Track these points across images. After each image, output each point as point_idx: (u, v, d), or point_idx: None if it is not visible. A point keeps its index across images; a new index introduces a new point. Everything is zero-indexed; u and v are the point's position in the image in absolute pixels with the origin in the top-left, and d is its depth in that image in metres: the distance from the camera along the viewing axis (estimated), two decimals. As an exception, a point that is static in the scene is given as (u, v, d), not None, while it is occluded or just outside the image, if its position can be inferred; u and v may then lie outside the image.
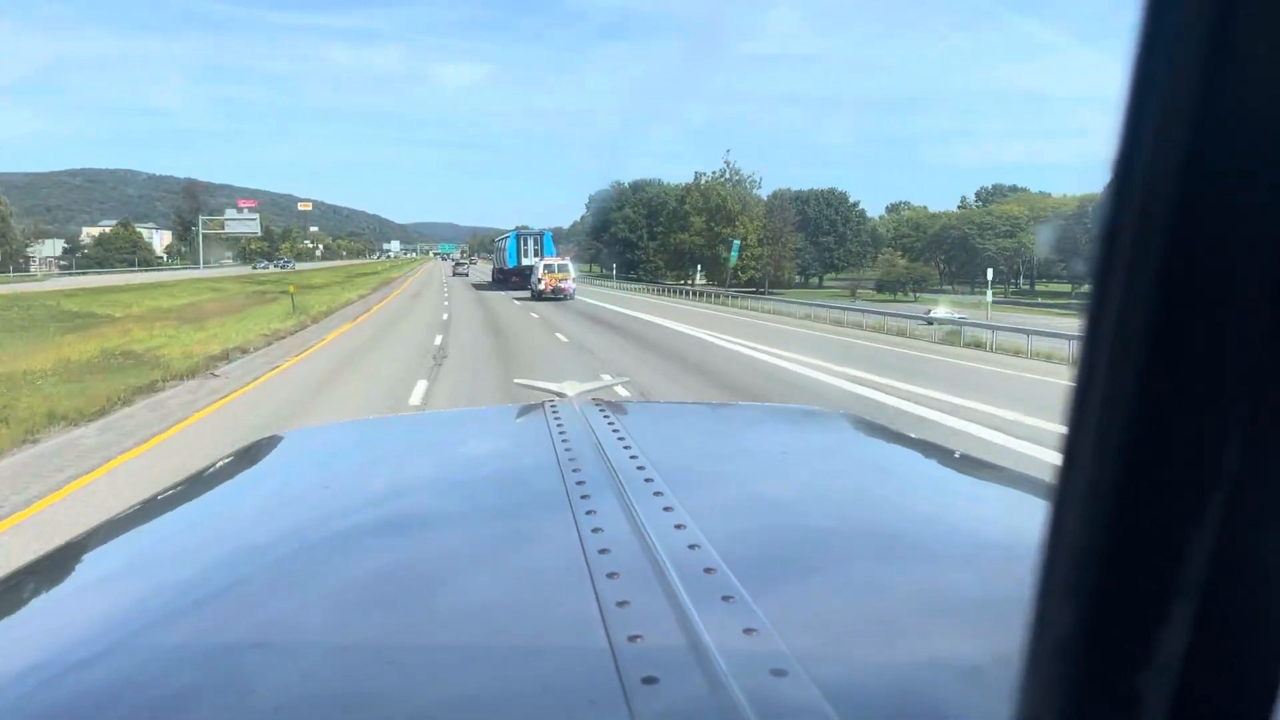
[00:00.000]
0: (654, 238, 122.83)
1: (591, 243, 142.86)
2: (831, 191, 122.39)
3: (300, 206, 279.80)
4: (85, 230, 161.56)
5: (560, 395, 2.10)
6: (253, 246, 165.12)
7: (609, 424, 1.51)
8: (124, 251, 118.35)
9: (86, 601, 1.02)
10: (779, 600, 0.82)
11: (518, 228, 64.24)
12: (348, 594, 0.91)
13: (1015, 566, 0.81)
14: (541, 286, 44.66)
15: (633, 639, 0.72)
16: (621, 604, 0.78)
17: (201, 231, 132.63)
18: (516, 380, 3.50)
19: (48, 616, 1.00)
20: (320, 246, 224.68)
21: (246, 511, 1.37)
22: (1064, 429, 0.35)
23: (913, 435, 1.86)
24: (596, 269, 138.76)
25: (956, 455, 1.66)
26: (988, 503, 1.40)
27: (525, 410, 1.81)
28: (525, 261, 55.94)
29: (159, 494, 1.53)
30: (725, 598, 0.78)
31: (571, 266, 47.80)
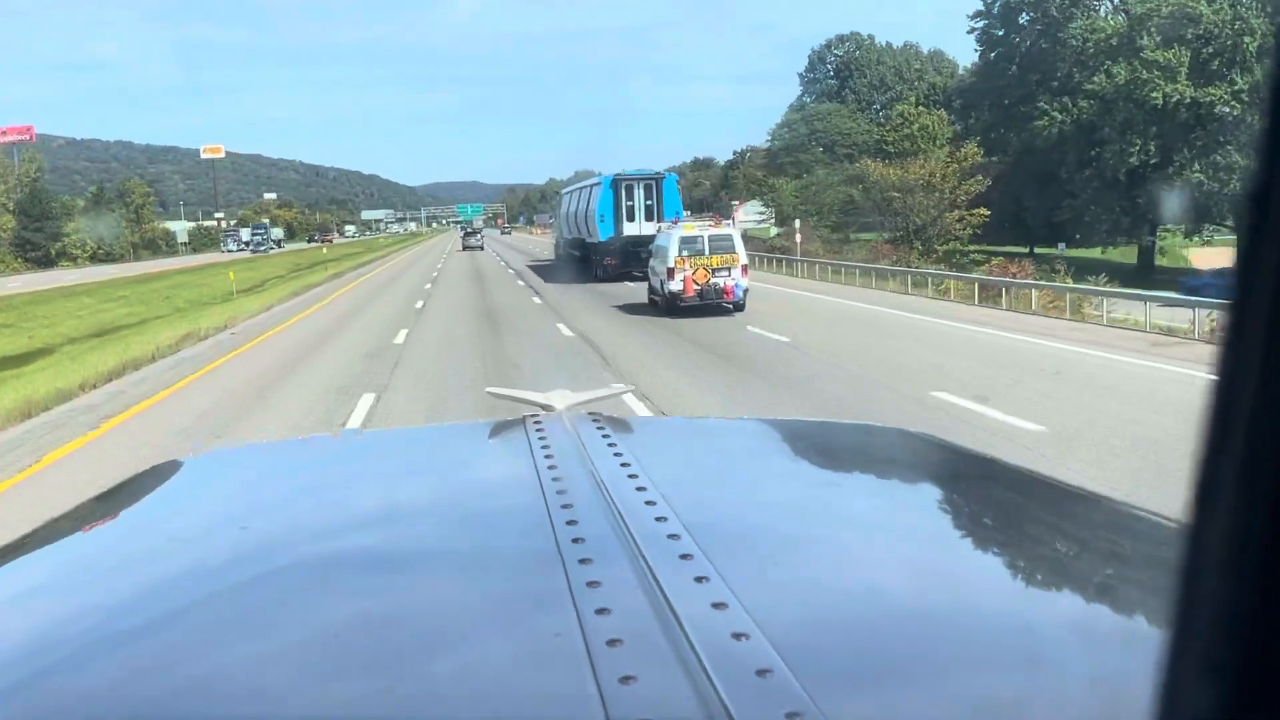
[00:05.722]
0: None
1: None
2: None
3: (205, 153, 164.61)
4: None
5: (546, 408, 1.72)
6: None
7: (609, 445, 1.26)
8: None
9: None
10: (827, 675, 0.69)
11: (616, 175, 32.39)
12: (259, 668, 0.77)
13: (1137, 635, 0.71)
14: (678, 287, 19.36)
15: None
16: (626, 680, 0.65)
17: None
18: (489, 389, 2.67)
19: None
20: (185, 229, 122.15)
21: (131, 558, 1.11)
22: (1199, 454, 0.28)
23: (1000, 460, 1.49)
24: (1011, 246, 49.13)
25: (1068, 488, 1.34)
26: (1096, 550, 1.16)
27: (501, 427, 1.51)
28: (629, 231, 30.11)
29: (34, 531, 1.25)
30: (761, 672, 0.65)
31: (738, 240, 20.35)
